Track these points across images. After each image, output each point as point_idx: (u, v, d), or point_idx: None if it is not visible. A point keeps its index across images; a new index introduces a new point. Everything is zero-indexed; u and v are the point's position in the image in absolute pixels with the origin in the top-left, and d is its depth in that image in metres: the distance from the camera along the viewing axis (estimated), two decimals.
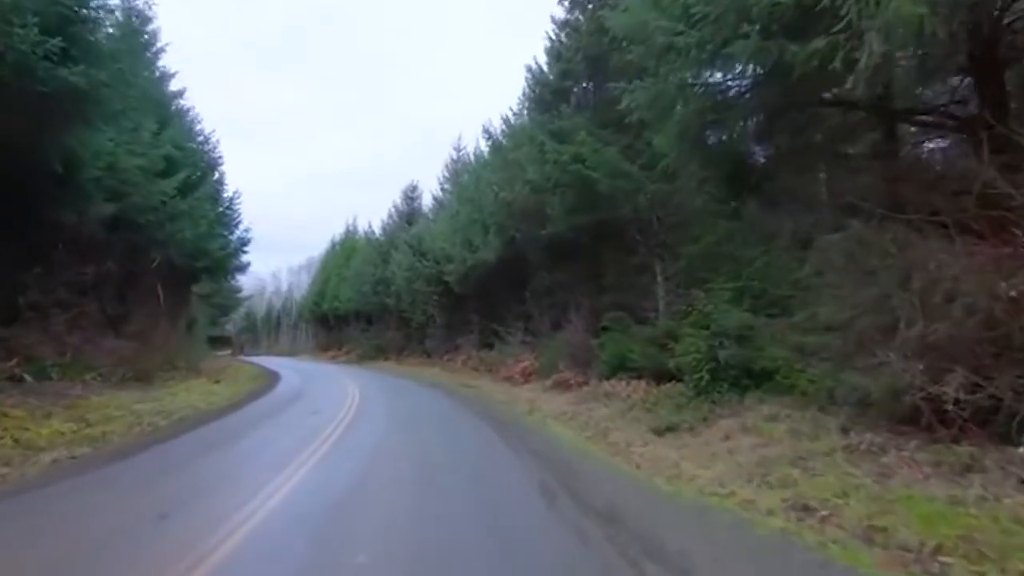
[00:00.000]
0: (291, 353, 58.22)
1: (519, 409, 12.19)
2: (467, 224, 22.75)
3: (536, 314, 20.84)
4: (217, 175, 20.47)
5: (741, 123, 8.46)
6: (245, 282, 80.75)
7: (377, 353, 39.61)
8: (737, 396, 8.86)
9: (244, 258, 23.46)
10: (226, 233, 20.27)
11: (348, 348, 45.41)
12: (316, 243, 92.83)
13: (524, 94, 16.38)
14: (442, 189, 32.19)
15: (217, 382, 18.95)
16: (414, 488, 5.69)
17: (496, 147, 17.16)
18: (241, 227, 22.54)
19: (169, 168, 15.31)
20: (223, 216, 19.77)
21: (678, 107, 8.20)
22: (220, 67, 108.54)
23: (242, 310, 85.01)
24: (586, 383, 13.87)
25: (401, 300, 35.14)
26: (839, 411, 6.50)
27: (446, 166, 32.10)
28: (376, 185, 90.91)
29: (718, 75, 8.75)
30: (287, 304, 79.90)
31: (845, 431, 6.14)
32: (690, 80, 7.98)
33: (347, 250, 50.13)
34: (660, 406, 9.60)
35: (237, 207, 21.09)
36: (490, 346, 24.86)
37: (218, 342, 77.13)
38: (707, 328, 9.61)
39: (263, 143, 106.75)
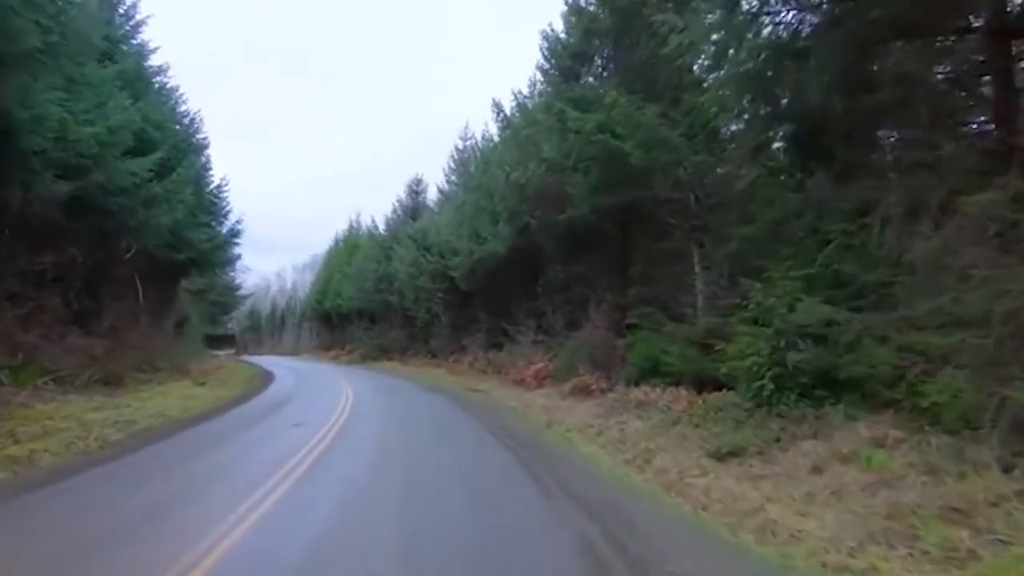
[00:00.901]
0: (294, 353, 56.73)
1: (536, 420, 10.47)
2: (474, 214, 21.04)
3: (549, 311, 19.10)
4: (204, 160, 18.89)
5: (817, 70, 6.71)
6: (248, 280, 79.44)
7: (380, 353, 38.01)
8: (810, 409, 7.11)
9: (235, 251, 21.82)
10: (213, 223, 18.65)
11: (351, 348, 43.83)
12: (321, 242, 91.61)
13: (538, 66, 14.65)
14: (448, 181, 30.50)
15: (202, 384, 17.37)
16: (402, 558, 3.93)
17: (507, 125, 15.41)
18: (231, 217, 20.94)
19: (143, 147, 13.70)
20: (209, 204, 18.15)
21: (744, 45, 6.46)
22: (222, 68, 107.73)
23: (245, 309, 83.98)
24: (610, 389, 12.13)
25: (404, 298, 33.50)
26: (986, 437, 4.74)
27: (452, 157, 30.41)
28: (380, 184, 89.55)
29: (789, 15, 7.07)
30: (291, 303, 78.58)
31: (1007, 468, 4.38)
32: (760, 7, 6.25)
33: (350, 246, 48.51)
34: (711, 421, 7.85)
35: (224, 195, 19.51)
36: (498, 346, 23.14)
37: (221, 341, 75.94)
38: (769, 325, 7.86)
39: (265, 143, 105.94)
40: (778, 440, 6.49)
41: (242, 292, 53.03)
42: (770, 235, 8.67)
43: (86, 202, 12.47)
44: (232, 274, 47.19)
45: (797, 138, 7.78)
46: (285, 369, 29.17)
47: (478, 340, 26.15)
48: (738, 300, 9.31)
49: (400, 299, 34.63)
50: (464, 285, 25.23)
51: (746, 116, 7.85)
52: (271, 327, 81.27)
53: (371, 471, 6.53)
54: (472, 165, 22.49)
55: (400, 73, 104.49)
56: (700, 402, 8.76)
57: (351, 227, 52.90)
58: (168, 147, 14.31)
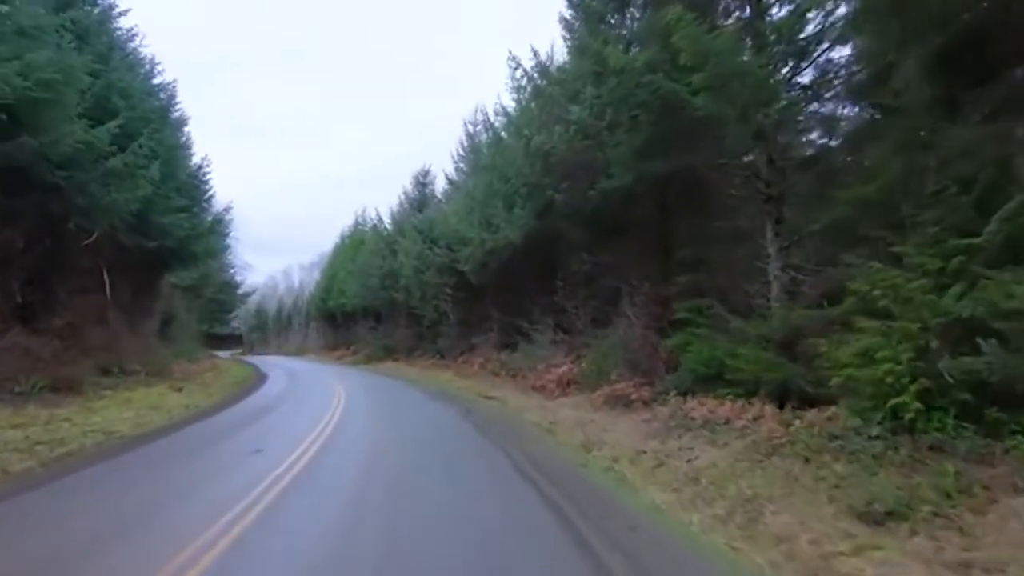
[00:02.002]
0: (299, 353, 54.82)
1: (569, 442, 8.22)
2: (486, 199, 18.81)
3: (570, 308, 16.85)
4: (183, 138, 16.81)
5: None
6: (254, 279, 78.04)
7: (386, 354, 35.99)
8: (985, 441, 4.84)
9: (224, 242, 19.70)
10: (193, 208, 16.54)
11: (356, 348, 41.86)
12: (329, 241, 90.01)
13: (560, 18, 12.30)
14: (457, 169, 28.29)
15: (179, 390, 15.29)
16: None
17: (528, 83, 13.12)
18: (215, 204, 18.83)
19: (105, 116, 11.64)
20: (188, 187, 16.07)
21: None
22: (226, 67, 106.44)
23: (252, 308, 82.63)
24: (655, 399, 9.88)
25: (411, 295, 31.43)
26: None
27: (460, 143, 28.22)
28: (389, 182, 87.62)
29: None
30: (298, 302, 76.92)
31: None
32: None
33: (355, 242, 46.47)
34: (828, 454, 5.56)
35: (207, 178, 17.41)
36: (512, 346, 20.93)
37: (228, 340, 74.78)
38: (896, 319, 5.59)
39: (273, 142, 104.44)
40: (968, 493, 4.20)
41: (244, 290, 51.21)
42: (889, 196, 6.37)
43: (25, 175, 10.41)
44: (232, 271, 45.58)
45: (949, 55, 5.48)
46: (281, 371, 27.15)
47: (490, 339, 23.99)
48: (827, 288, 7.06)
49: (406, 296, 32.59)
50: (474, 279, 23.06)
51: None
52: (278, 327, 79.67)
53: (336, 558, 4.03)
54: (484, 146, 20.17)
55: (409, 71, 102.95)
56: (797, 423, 6.47)
57: (357, 223, 50.93)
58: (133, 117, 12.20)
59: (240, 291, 49.19)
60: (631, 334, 11.87)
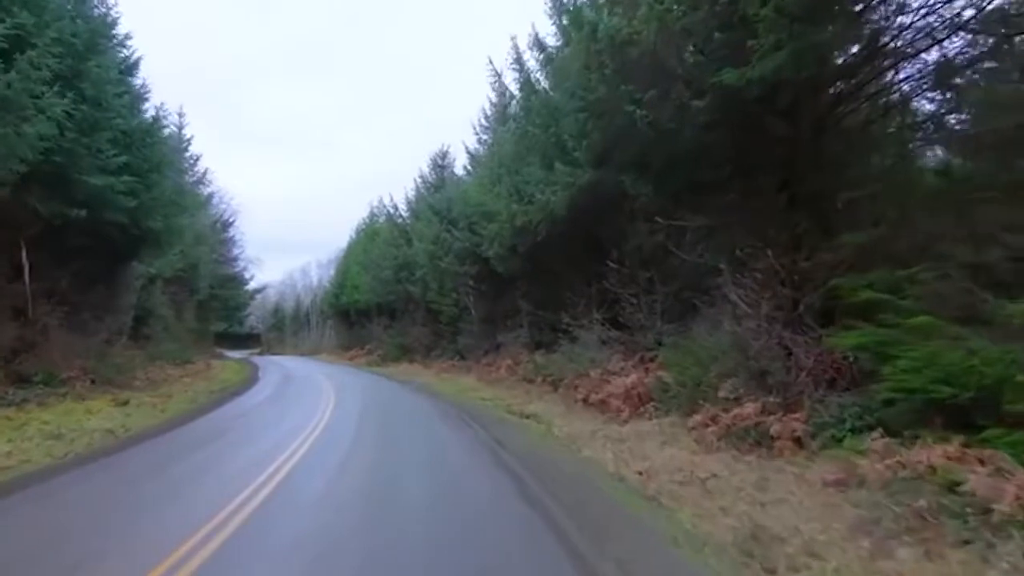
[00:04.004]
0: (313, 353, 51.68)
1: (708, 534, 4.26)
2: (516, 161, 14.99)
3: (628, 295, 12.90)
4: (138, 84, 13.25)
5: None
6: (269, 276, 75.43)
7: (401, 354, 32.52)
8: None
9: (198, 219, 16.11)
10: (149, 172, 12.96)
11: (370, 348, 38.45)
12: (347, 239, 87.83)
13: None
14: (480, 141, 24.48)
15: (124, 404, 11.77)
16: None
17: None
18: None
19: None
20: (137, 144, 12.46)
21: None
22: (245, 74, 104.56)
23: (270, 306, 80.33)
24: (817, 436, 5.92)
25: (427, 287, 27.81)
26: None
27: (483, 111, 24.44)
28: (406, 184, 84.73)
29: None
30: (316, 300, 74.22)
31: None
32: None
33: (369, 234, 43.01)
34: None
35: (163, 133, 13.80)
36: (546, 346, 17.12)
37: (246, 340, 72.36)
38: None
39: (291, 147, 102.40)
40: None
41: (253, 286, 48.15)
42: None
43: None
44: (239, 266, 42.54)
45: None
46: (279, 374, 23.74)
47: (519, 338, 20.18)
48: None
49: (423, 290, 29.02)
50: (500, 267, 19.28)
51: None
52: (295, 326, 77.07)
53: None
54: (516, 95, 16.17)
55: (426, 74, 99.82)
56: None
57: (372, 214, 47.48)
58: (22, 24, 8.60)
59: (249, 288, 46.08)
60: (746, 330, 7.90)
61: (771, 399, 6.86)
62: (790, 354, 7.30)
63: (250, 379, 20.74)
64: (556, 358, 15.12)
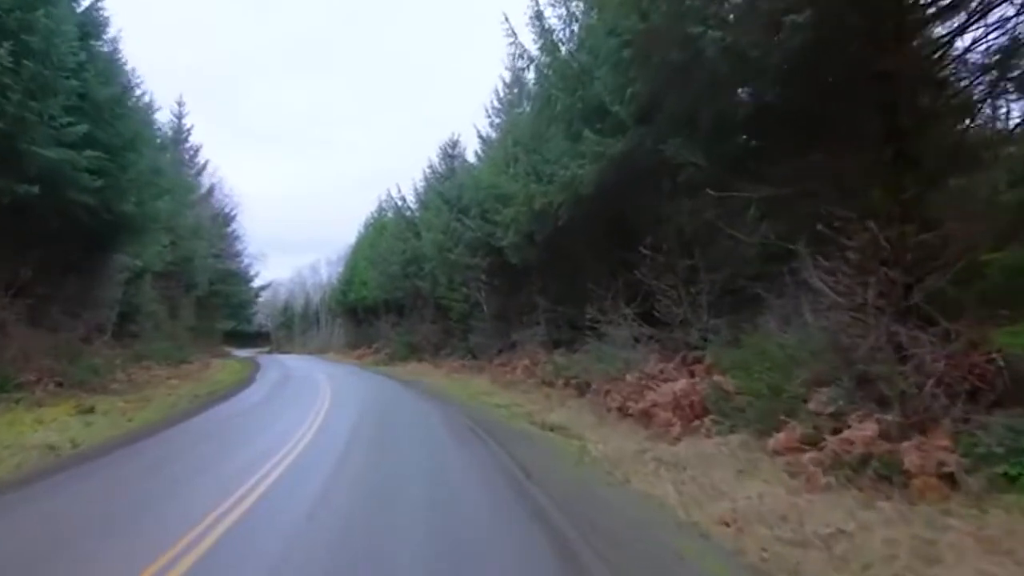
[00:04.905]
0: (321, 351, 50.31)
1: None
2: (535, 138, 13.31)
3: (665, 286, 11.15)
4: (108, 49, 11.71)
5: None
6: (277, 275, 74.37)
7: (409, 352, 30.98)
8: None
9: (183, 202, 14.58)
10: (122, 149, 11.44)
11: (378, 346, 36.94)
12: (355, 235, 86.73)
13: None
14: (492, 124, 22.78)
15: (89, 411, 10.26)
16: None
17: None
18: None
19: None
20: (105, 114, 10.91)
21: None
22: (243, 71, 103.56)
23: (279, 304, 79.30)
24: (973, 468, 4.18)
25: (436, 282, 26.23)
26: None
27: (496, 93, 22.75)
28: (407, 179, 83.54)
29: None
30: (325, 298, 73.04)
31: None
32: None
33: (377, 228, 41.48)
34: None
35: (136, 97, 12.21)
36: (567, 344, 15.44)
37: (256, 338, 71.24)
38: None
39: (295, 145, 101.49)
40: None
41: (259, 283, 46.83)
42: None
43: None
44: (243, 262, 41.20)
45: None
46: (278, 375, 22.26)
47: (536, 335, 18.49)
48: None
49: (432, 285, 27.45)
50: (515, 258, 17.63)
51: None
52: (303, 324, 75.97)
53: None
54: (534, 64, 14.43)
55: (425, 72, 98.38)
56: None
57: (380, 208, 45.95)
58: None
59: (253, 285, 44.76)
60: (837, 324, 6.15)
61: (889, 416, 5.12)
62: (904, 356, 5.55)
63: (245, 380, 19.25)
64: (580, 358, 13.42)
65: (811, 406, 5.83)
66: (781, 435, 5.84)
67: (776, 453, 5.77)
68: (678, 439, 7.11)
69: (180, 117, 30.65)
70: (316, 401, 12.38)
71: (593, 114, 10.43)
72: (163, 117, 28.47)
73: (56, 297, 12.86)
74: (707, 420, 7.18)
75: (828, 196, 6.93)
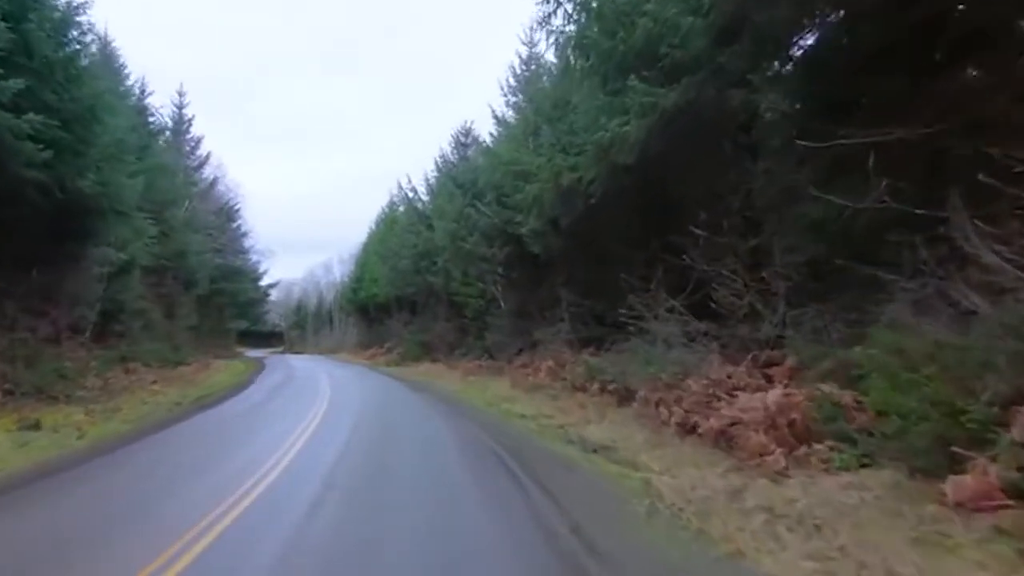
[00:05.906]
0: (333, 351, 48.81)
1: None
2: (560, 105, 11.35)
3: (725, 272, 9.12)
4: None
5: None
6: (290, 275, 73.14)
7: (422, 352, 29.21)
8: None
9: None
10: (85, 117, 9.72)
11: (389, 346, 35.25)
12: (367, 233, 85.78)
13: None
14: (508, 104, 20.83)
15: (34, 426, 8.54)
16: None
17: None
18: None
19: None
20: (57, 72, 9.21)
21: None
22: (252, 72, 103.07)
23: (293, 303, 78.25)
24: None
25: (450, 277, 24.38)
26: None
27: (510, 70, 20.83)
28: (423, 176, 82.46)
29: None
30: (338, 297, 71.76)
31: None
32: None
33: (388, 223, 39.73)
34: None
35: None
36: (598, 343, 13.49)
37: (270, 338, 69.97)
38: None
39: (318, 144, 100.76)
40: None
41: (266, 281, 45.37)
42: None
43: None
44: (252, 259, 39.73)
45: None
46: (280, 378, 20.58)
47: (559, 333, 16.53)
48: None
49: (445, 280, 25.61)
50: (536, 246, 15.73)
51: None
52: (316, 323, 74.74)
53: None
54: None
55: (447, 73, 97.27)
56: None
57: (392, 202, 44.21)
58: None
59: (262, 283, 43.30)
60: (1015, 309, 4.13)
61: None
62: None
63: (241, 384, 17.57)
64: (616, 359, 11.43)
65: (1014, 434, 3.82)
66: (968, 479, 3.84)
67: (960, 506, 3.78)
68: (782, 473, 5.11)
69: (181, 107, 29.22)
70: (308, 414, 10.53)
71: (637, 59, 8.44)
72: (161, 104, 26.97)
73: (13, 293, 11.18)
74: (822, 447, 5.18)
75: (996, 131, 4.91)
